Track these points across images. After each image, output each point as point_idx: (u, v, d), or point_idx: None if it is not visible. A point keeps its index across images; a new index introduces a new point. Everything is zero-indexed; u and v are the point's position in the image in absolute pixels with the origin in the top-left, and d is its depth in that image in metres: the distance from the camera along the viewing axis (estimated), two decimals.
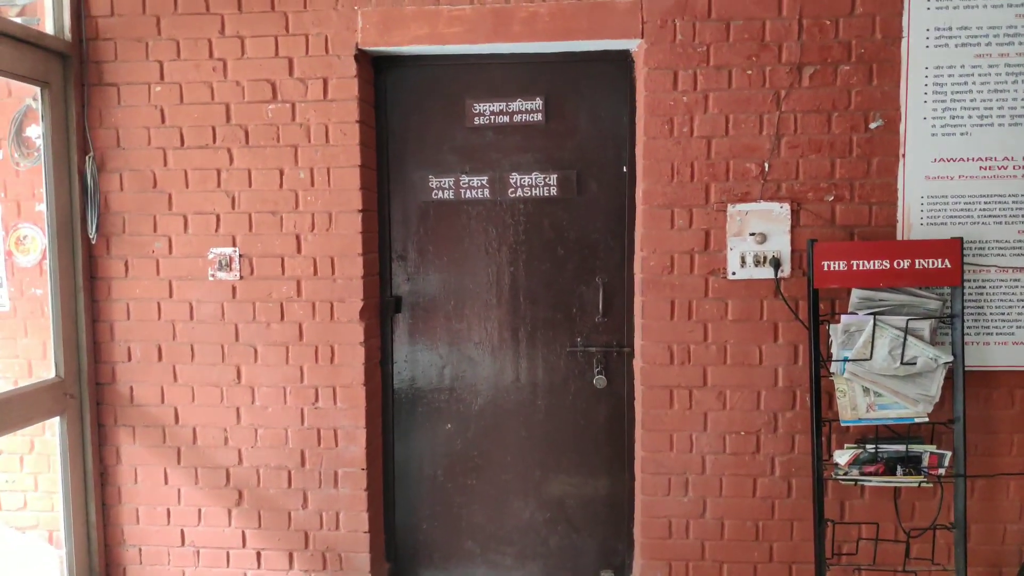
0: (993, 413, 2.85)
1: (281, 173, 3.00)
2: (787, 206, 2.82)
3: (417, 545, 3.26)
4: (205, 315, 3.06)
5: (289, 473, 3.09)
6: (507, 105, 3.06)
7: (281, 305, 3.03)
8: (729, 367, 2.91)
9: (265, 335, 3.04)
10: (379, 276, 3.17)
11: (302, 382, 3.04)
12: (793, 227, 2.83)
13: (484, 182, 3.09)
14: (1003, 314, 2.81)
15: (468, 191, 3.10)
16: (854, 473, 2.67)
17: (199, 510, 3.14)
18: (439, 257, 3.15)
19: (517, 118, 3.06)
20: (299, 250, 3.01)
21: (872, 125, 2.81)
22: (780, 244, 2.83)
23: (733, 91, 2.81)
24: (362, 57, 2.98)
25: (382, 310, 3.17)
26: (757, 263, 2.84)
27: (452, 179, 3.11)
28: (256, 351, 3.05)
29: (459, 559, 3.26)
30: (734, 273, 2.85)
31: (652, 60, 2.83)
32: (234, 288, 3.04)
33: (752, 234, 2.82)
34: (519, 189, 3.07)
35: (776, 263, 2.81)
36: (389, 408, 3.23)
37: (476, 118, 3.07)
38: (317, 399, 3.04)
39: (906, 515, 2.88)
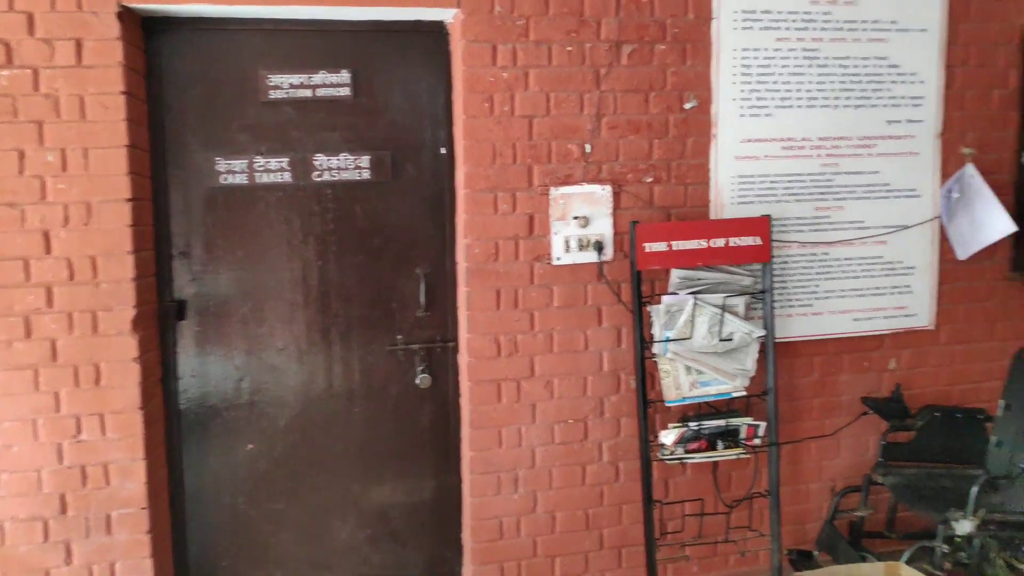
0: (796, 381, 3.02)
1: (21, 155, 2.39)
2: (609, 188, 2.75)
3: None
4: None
5: (46, 524, 2.51)
6: (309, 78, 2.68)
7: (27, 319, 2.43)
8: (556, 355, 2.80)
9: (6, 358, 2.43)
10: (156, 277, 2.66)
11: (58, 411, 2.47)
12: (615, 209, 2.77)
13: (284, 164, 2.69)
14: (803, 287, 2.97)
15: (265, 175, 2.68)
16: (679, 452, 2.70)
17: None
18: (232, 252, 2.70)
19: (321, 92, 2.69)
20: (48, 250, 2.43)
21: (687, 106, 2.81)
22: (603, 227, 2.76)
23: (554, 68, 2.67)
24: (127, 16, 2.44)
25: (161, 317, 2.66)
26: (581, 247, 2.74)
27: (245, 161, 2.67)
28: None
29: None
30: (559, 258, 2.74)
31: (469, 32, 2.60)
32: None
33: (576, 217, 2.72)
34: (326, 172, 2.71)
35: (599, 246, 2.74)
36: (175, 433, 2.74)
37: (272, 92, 2.65)
38: (80, 431, 2.49)
39: (725, 487, 2.98)
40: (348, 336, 2.80)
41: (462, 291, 2.76)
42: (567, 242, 2.74)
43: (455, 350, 2.88)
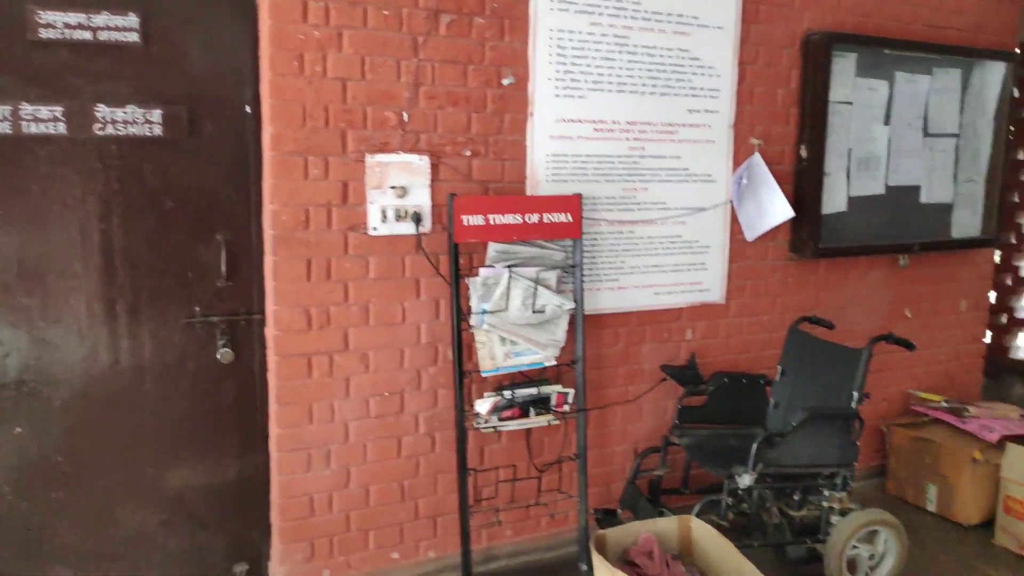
0: (603, 351, 3.18)
1: None
2: (427, 159, 2.72)
3: None
4: None
5: None
6: (89, 18, 2.38)
7: None
8: (372, 328, 2.74)
9: None
10: None
11: None
12: (433, 181, 2.74)
13: (58, 114, 2.38)
14: (611, 263, 3.12)
15: (34, 124, 2.35)
16: (494, 421, 2.75)
17: None
18: None
19: (104, 36, 2.40)
20: None
21: (504, 81, 2.83)
22: (421, 198, 2.72)
23: (370, 31, 2.58)
24: None
25: None
26: (399, 218, 2.69)
27: (9, 108, 2.33)
28: None
29: None
30: (375, 228, 2.67)
31: None
32: None
33: (393, 187, 2.67)
34: (109, 126, 2.43)
35: (417, 218, 2.70)
36: None
37: (43, 30, 2.33)
38: None
39: (537, 453, 3.08)
40: (137, 308, 2.56)
41: (269, 260, 2.61)
42: (384, 212, 2.67)
43: (262, 323, 2.73)
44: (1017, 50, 4.02)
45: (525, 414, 2.78)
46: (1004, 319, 6.54)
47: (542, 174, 2.93)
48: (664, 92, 3.13)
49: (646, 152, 3.12)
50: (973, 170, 3.95)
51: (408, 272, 2.77)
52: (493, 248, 2.74)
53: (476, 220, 2.66)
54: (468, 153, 2.81)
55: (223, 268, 2.66)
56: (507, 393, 2.76)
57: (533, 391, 2.80)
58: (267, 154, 2.56)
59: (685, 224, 3.26)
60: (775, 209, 3.35)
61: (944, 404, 3.76)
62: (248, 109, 2.62)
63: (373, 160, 2.64)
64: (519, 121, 2.88)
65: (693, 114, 3.19)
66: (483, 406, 2.73)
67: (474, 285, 2.71)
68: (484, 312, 2.70)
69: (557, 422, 2.88)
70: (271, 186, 2.55)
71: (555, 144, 2.94)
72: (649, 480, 3.10)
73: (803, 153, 3.44)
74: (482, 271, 2.71)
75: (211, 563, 2.80)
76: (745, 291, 3.46)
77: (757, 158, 3.33)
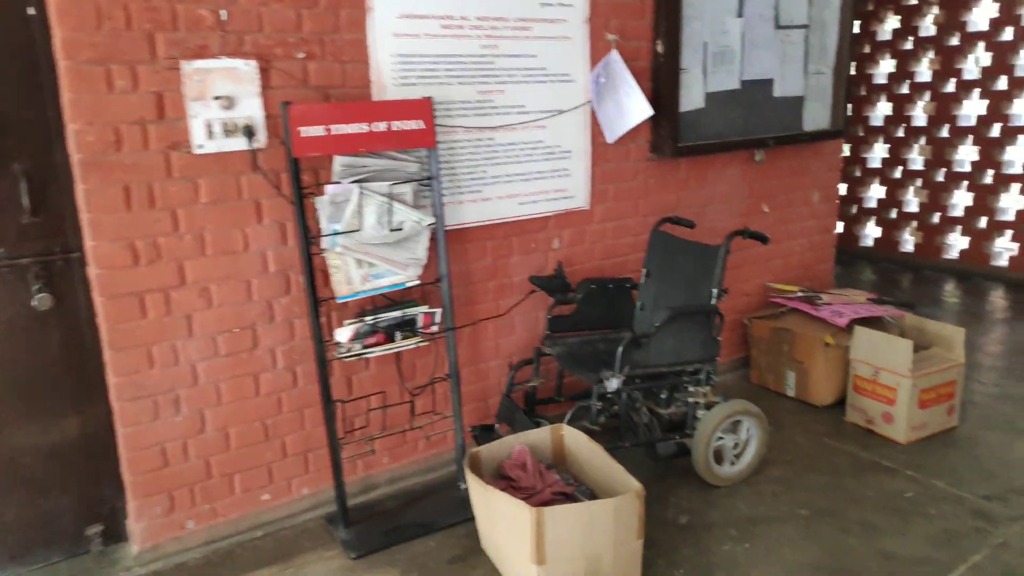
0: (471, 266, 3.07)
1: None
2: (254, 64, 2.42)
3: None
4: None
5: None
6: None
7: None
8: (211, 258, 2.49)
9: None
10: None
11: None
12: (265, 89, 2.46)
13: None
14: (471, 173, 2.97)
15: None
16: (357, 348, 2.59)
17: None
18: None
19: None
20: None
21: None
22: (251, 109, 2.44)
23: None
24: None
25: None
26: (228, 133, 2.41)
27: None
28: None
29: None
30: (201, 146, 2.38)
31: None
32: None
33: (217, 98, 2.37)
34: None
35: (249, 132, 2.43)
36: None
37: None
38: None
39: (409, 376, 2.97)
40: None
41: (80, 189, 2.28)
42: (210, 127, 2.38)
43: (81, 261, 2.41)
44: None
45: (391, 339, 2.65)
46: (854, 209, 6.97)
47: (388, 77, 2.70)
48: None
49: (500, 51, 2.94)
50: (823, 62, 4.03)
51: (246, 194, 2.51)
52: (339, 161, 2.52)
53: (316, 131, 2.41)
54: (302, 55, 2.53)
55: (26, 202, 2.31)
56: (369, 319, 2.60)
57: (397, 314, 2.66)
58: (61, 64, 2.19)
59: (546, 128, 3.14)
60: (634, 108, 3.29)
61: (799, 294, 3.94)
62: (31, 11, 2.22)
63: (190, 67, 2.32)
64: (357, 17, 2.61)
65: (546, 7, 3.02)
66: (344, 334, 2.56)
67: (322, 204, 2.49)
68: (335, 233, 2.49)
69: (426, 343, 2.76)
70: (70, 102, 2.20)
71: (401, 43, 2.71)
72: (524, 392, 3.08)
73: (659, 48, 3.36)
74: (329, 188, 2.49)
75: (59, 529, 2.55)
76: (608, 195, 3.42)
77: (614, 55, 3.22)
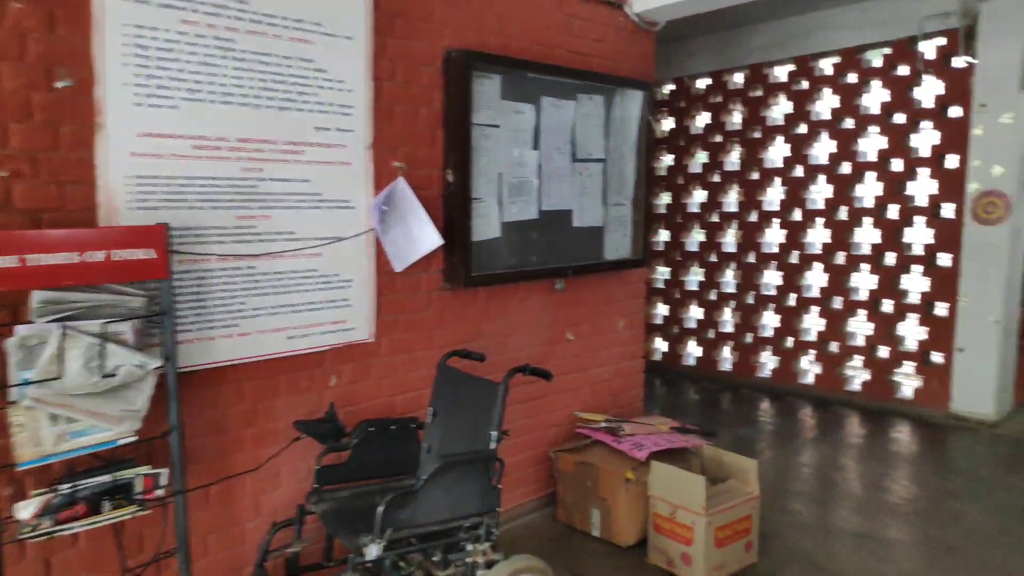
0: (225, 412, 2.68)
1: None
2: None
3: None
4: None
5: None
6: None
7: None
8: None
9: None
10: None
11: None
12: None
13: None
14: (226, 305, 2.63)
15: None
16: (47, 524, 2.10)
17: None
18: None
19: None
20: None
21: (58, 84, 2.24)
22: None
23: None
24: None
25: None
26: None
27: None
28: None
29: None
30: None
31: None
32: None
33: None
34: None
35: None
36: None
37: None
38: None
39: (136, 550, 2.48)
40: None
41: None
42: None
43: None
44: (653, 81, 4.28)
45: (97, 509, 2.18)
46: (676, 330, 7.18)
47: (123, 200, 2.37)
48: (284, 106, 2.73)
49: (265, 174, 2.70)
50: (622, 195, 4.10)
51: None
52: (38, 297, 2.11)
53: (8, 261, 2.01)
54: (6, 175, 2.16)
55: None
56: (65, 487, 2.13)
57: (106, 479, 2.20)
58: None
59: (322, 256, 2.89)
60: (424, 237, 3.13)
61: (604, 424, 3.81)
62: None
63: None
64: (83, 135, 2.30)
65: (322, 132, 2.84)
66: (26, 510, 2.07)
67: (11, 348, 2.06)
68: (27, 383, 2.06)
69: (147, 511, 2.30)
70: None
71: (140, 163, 2.40)
72: (285, 559, 2.65)
73: (449, 178, 3.26)
74: (20, 328, 2.07)
75: None
76: (398, 326, 3.18)
77: (401, 183, 3.07)
